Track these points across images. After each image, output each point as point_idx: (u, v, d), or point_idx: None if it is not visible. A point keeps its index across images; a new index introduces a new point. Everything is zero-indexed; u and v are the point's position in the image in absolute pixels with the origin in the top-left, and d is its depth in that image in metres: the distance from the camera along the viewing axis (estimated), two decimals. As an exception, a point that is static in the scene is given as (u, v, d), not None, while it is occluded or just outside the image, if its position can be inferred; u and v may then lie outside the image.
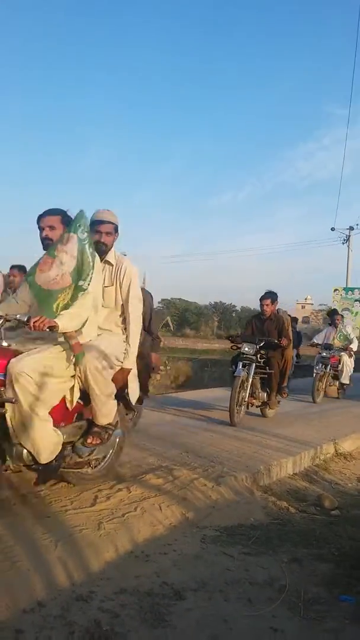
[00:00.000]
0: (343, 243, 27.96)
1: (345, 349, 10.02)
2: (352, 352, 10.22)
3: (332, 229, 27.58)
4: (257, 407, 7.05)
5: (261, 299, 7.20)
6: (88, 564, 2.53)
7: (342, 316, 11.56)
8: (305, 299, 60.20)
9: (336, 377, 10.03)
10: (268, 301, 7.15)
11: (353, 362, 10.56)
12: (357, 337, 10.64)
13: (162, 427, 5.92)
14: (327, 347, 9.67)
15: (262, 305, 7.21)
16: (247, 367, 6.50)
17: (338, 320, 10.52)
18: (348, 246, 27.65)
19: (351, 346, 10.07)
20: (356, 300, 25.36)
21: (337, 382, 10.14)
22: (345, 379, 10.11)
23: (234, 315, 56.27)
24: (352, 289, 25.94)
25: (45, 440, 2.88)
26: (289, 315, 8.83)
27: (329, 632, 2.13)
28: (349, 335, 10.27)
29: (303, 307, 55.31)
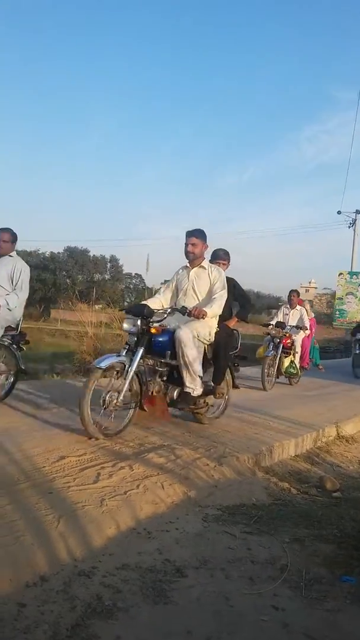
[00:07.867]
0: (349, 227, 27.73)
1: (301, 327, 9.00)
2: (306, 331, 9.23)
3: (339, 212, 27.36)
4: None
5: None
6: (90, 540, 2.54)
7: (297, 294, 9.59)
8: (310, 282, 60.13)
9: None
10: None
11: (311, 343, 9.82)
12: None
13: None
14: (279, 325, 8.55)
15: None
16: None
17: (294, 297, 9.27)
18: (354, 230, 27.41)
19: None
20: (360, 285, 25.25)
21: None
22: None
23: (237, 297, 56.06)
24: (356, 273, 25.80)
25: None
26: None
27: (330, 612, 2.14)
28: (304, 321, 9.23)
29: (307, 291, 55.17)
